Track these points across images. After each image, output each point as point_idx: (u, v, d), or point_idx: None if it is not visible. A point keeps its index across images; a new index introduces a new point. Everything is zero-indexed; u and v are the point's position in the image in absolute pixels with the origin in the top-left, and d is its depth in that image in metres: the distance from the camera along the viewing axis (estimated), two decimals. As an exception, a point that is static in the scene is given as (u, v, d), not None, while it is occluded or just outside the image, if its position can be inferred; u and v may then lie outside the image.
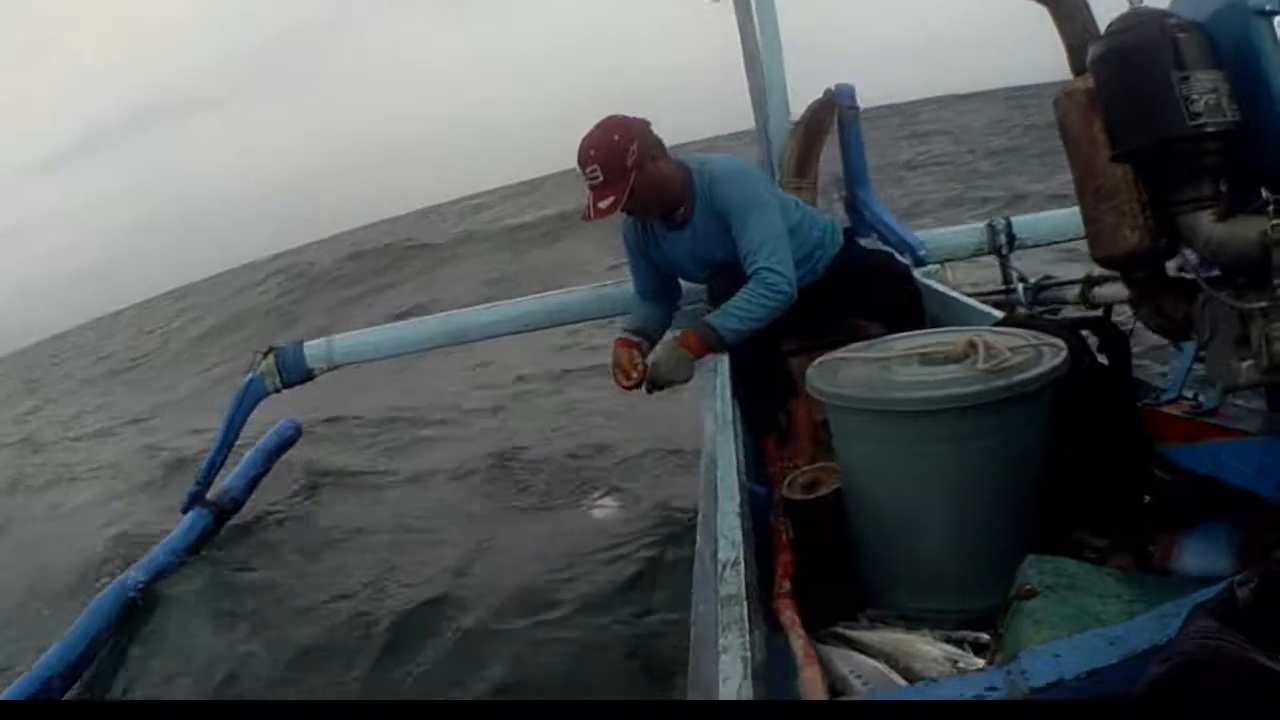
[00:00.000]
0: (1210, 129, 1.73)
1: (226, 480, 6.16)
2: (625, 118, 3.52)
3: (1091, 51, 1.92)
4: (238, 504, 6.17)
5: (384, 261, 24.08)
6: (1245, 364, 1.79)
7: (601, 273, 13.00)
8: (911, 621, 2.23)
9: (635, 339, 3.78)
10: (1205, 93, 1.72)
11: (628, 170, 3.40)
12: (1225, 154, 1.77)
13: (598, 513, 5.46)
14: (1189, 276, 1.93)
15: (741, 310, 3.36)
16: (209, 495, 5.92)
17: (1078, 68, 2.04)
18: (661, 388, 3.56)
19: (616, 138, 3.43)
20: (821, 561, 2.41)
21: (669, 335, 3.62)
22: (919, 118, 35.41)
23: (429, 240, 27.19)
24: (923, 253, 4.88)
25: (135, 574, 5.35)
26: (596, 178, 3.41)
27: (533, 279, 14.82)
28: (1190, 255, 1.90)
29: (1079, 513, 2.36)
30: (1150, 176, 1.89)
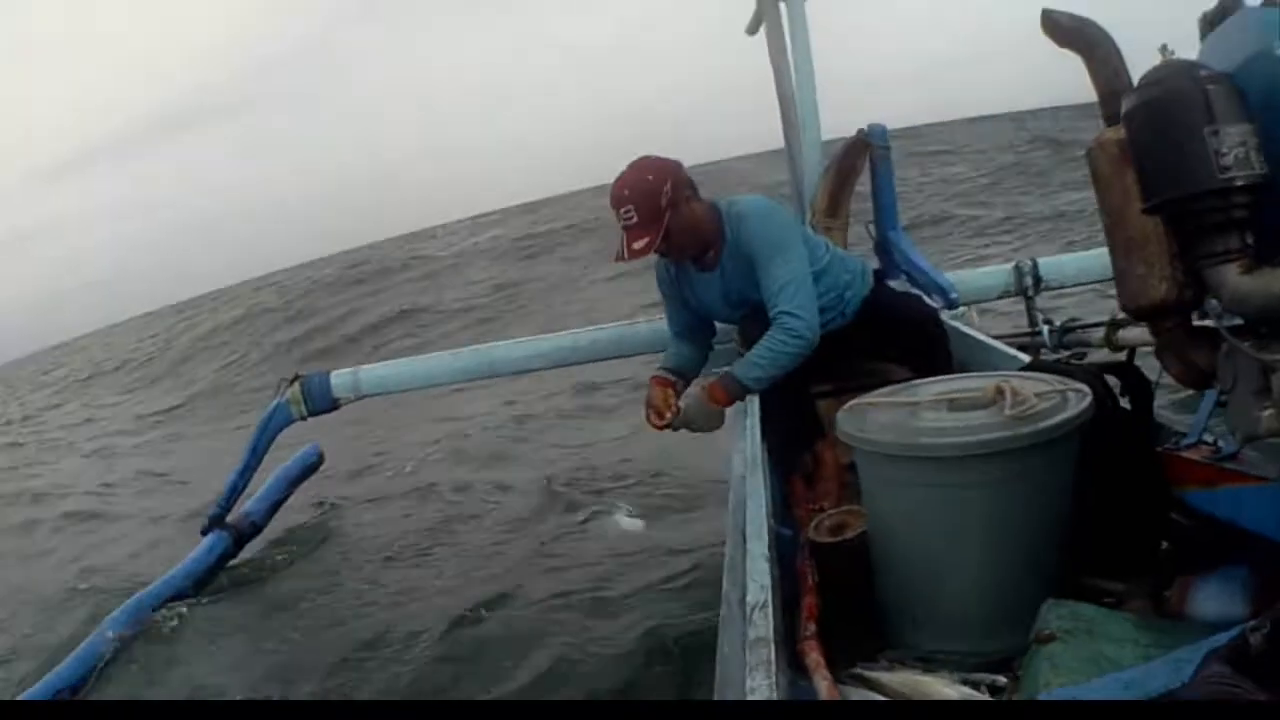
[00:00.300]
0: (1239, 182, 1.73)
1: (248, 504, 6.20)
2: (659, 158, 3.53)
3: (1125, 104, 1.92)
4: (257, 528, 6.23)
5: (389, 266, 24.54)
6: (1266, 413, 1.79)
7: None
8: (929, 664, 2.23)
9: (671, 378, 3.78)
10: (1235, 146, 1.72)
11: (662, 210, 3.39)
12: (1253, 207, 1.78)
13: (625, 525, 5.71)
14: (1213, 325, 1.94)
15: (762, 359, 3.35)
16: (229, 519, 5.96)
17: (1110, 117, 2.05)
18: (694, 432, 3.58)
19: (651, 178, 3.43)
20: (845, 603, 2.42)
21: (696, 385, 3.62)
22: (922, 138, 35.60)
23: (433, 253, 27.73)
24: (953, 295, 4.85)
25: (151, 593, 5.41)
26: (631, 218, 3.40)
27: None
28: (1215, 305, 1.91)
29: (1097, 557, 2.37)
30: (1179, 229, 1.89)
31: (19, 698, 4.50)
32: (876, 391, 2.65)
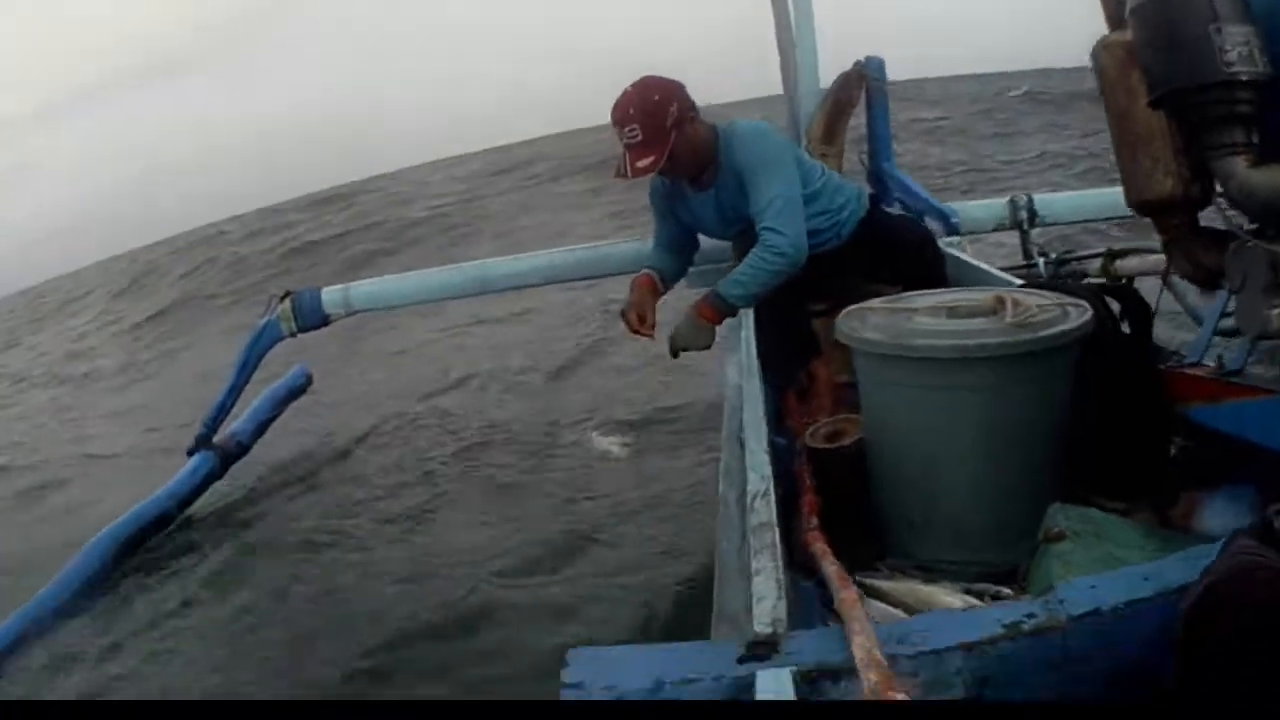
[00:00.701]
0: (1244, 77, 1.75)
1: (234, 424, 6.13)
2: (663, 78, 3.52)
3: (1130, 2, 1.93)
4: (244, 448, 6.16)
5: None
6: (1275, 311, 1.80)
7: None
8: (930, 573, 2.23)
9: (655, 277, 3.78)
10: (1238, 44, 1.74)
11: (667, 130, 3.39)
12: (1257, 105, 1.78)
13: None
14: (1221, 227, 1.94)
15: (745, 275, 3.34)
16: (215, 439, 5.90)
17: (1114, 20, 2.06)
18: (685, 351, 3.54)
19: (656, 97, 3.42)
20: (842, 511, 2.40)
21: (688, 306, 3.60)
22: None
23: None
24: (954, 220, 4.85)
25: (135, 514, 5.39)
26: (635, 136, 3.39)
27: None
28: (1222, 203, 1.91)
29: (1098, 475, 2.36)
30: (1185, 124, 1.90)
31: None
32: (875, 300, 2.64)
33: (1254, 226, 1.87)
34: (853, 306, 2.57)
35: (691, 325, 3.45)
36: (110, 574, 5.05)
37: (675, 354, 3.55)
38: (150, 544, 5.40)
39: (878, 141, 5.49)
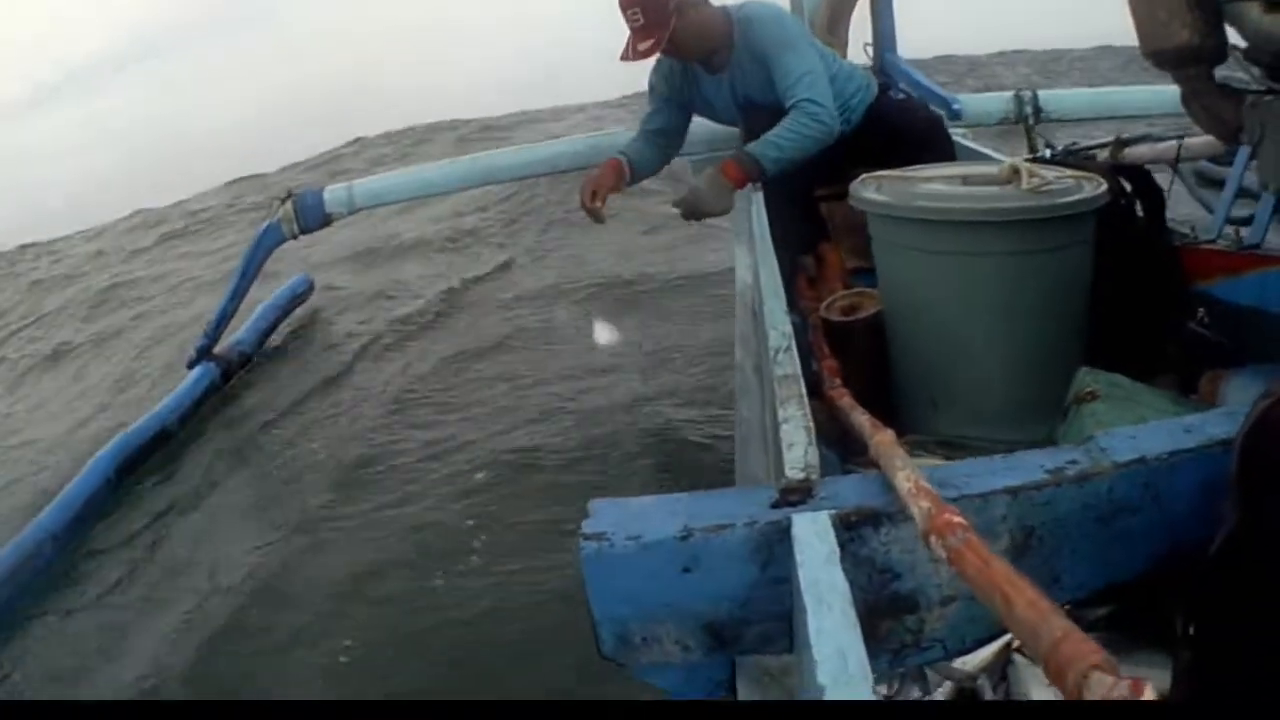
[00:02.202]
0: None
1: (236, 334, 6.05)
2: None
3: None
4: (246, 358, 6.06)
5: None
6: None
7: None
8: (951, 449, 2.21)
9: (626, 167, 3.77)
10: None
11: (669, 14, 3.40)
12: None
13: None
14: (1236, 86, 1.91)
15: (783, 139, 3.33)
16: (217, 350, 5.79)
17: None
18: (700, 217, 3.53)
19: None
20: (860, 387, 2.37)
21: (710, 169, 3.56)
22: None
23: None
24: (956, 106, 4.82)
25: (137, 430, 5.26)
26: (637, 20, 3.41)
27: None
28: (1237, 53, 1.88)
29: (1114, 356, 2.34)
30: None
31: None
32: (887, 170, 2.60)
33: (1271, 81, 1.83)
34: (865, 175, 2.54)
35: (714, 185, 3.42)
36: (114, 491, 4.94)
37: (689, 217, 3.54)
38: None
39: (882, 34, 5.44)
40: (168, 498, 4.84)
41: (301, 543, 4.05)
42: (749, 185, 3.41)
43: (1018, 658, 1.48)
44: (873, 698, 0.97)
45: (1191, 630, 1.22)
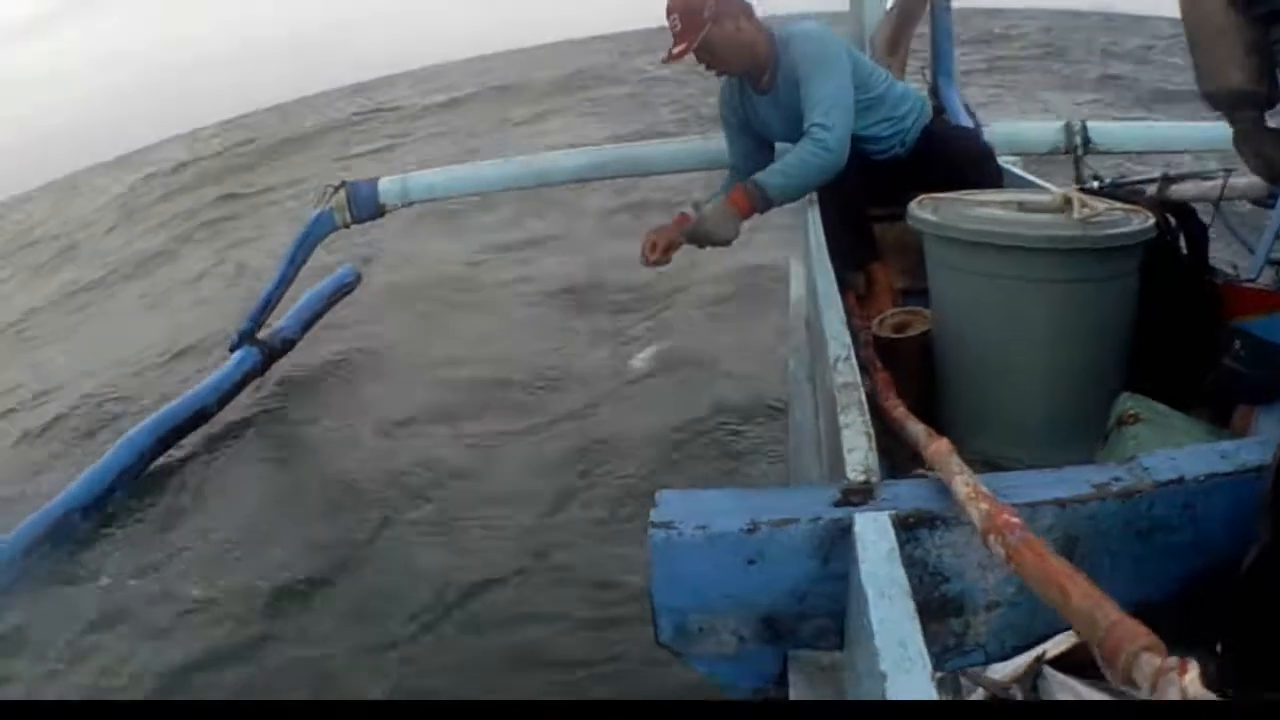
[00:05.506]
0: None
1: (280, 320, 6.11)
2: None
3: None
4: (289, 344, 6.12)
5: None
6: None
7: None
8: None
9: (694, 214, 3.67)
10: None
11: (703, 21, 3.50)
12: None
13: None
14: None
15: (789, 167, 3.36)
16: (260, 335, 5.86)
17: None
18: (705, 245, 3.51)
19: None
20: (907, 400, 2.44)
21: (719, 196, 3.59)
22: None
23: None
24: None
25: (175, 409, 5.42)
26: (676, 26, 3.54)
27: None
28: None
29: (1157, 381, 2.39)
30: (1254, 21, 1.91)
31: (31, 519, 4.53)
32: (946, 194, 2.66)
33: None
34: (923, 196, 2.60)
35: (720, 213, 3.42)
36: (147, 466, 5.12)
37: (695, 244, 3.52)
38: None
39: (940, 57, 5.45)
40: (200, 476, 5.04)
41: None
42: (764, 211, 3.42)
43: (1048, 669, 1.54)
44: (932, 686, 1.02)
45: (1222, 647, 1.29)
